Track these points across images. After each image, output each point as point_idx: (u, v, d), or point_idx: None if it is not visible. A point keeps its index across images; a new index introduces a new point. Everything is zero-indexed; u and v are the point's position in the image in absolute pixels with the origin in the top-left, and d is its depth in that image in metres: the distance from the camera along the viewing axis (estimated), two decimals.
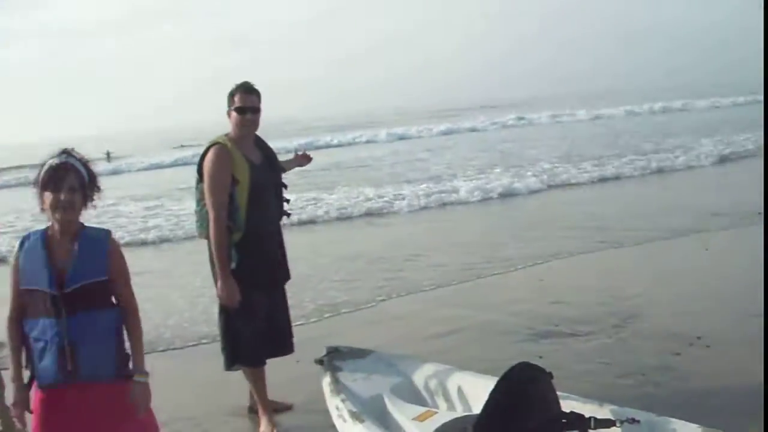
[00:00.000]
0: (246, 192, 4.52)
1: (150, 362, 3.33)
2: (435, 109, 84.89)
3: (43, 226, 3.19)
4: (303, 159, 5.25)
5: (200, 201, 4.62)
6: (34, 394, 3.14)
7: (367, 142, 40.85)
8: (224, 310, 4.67)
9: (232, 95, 4.62)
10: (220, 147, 4.54)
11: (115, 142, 65.24)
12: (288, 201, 4.92)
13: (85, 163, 3.19)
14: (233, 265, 4.51)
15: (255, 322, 4.66)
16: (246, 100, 4.61)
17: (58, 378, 3.09)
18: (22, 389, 3.13)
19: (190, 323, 7.43)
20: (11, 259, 3.17)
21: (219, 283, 4.51)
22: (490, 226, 12.79)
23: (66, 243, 3.12)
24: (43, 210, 3.14)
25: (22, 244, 3.14)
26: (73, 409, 3.13)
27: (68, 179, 3.08)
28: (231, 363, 4.79)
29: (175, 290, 8.95)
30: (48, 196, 3.07)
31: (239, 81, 4.68)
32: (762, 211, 8.95)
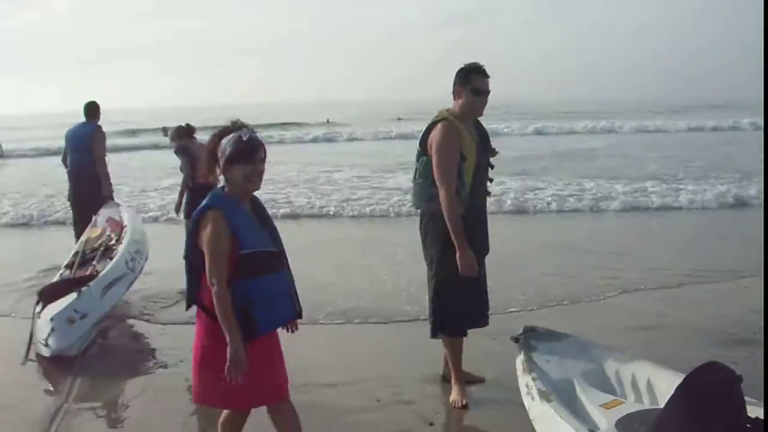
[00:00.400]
0: (472, 169, 4.69)
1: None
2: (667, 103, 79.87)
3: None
4: None
5: (421, 174, 4.79)
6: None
7: (609, 131, 39.43)
8: (438, 280, 4.88)
9: (467, 75, 4.72)
10: (449, 123, 4.68)
11: (335, 111, 68.18)
12: (491, 180, 5.01)
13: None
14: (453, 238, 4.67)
15: (464, 293, 4.83)
16: (483, 83, 4.74)
17: (285, 322, 3.59)
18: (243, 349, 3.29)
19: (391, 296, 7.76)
20: (211, 228, 3.29)
21: (459, 255, 4.64)
22: (715, 233, 11.99)
23: (248, 207, 3.50)
24: (220, 179, 3.46)
25: (218, 212, 3.33)
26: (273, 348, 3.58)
27: (260, 152, 3.39)
28: (436, 331, 5.00)
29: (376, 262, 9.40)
30: (242, 167, 3.33)
31: (470, 62, 4.79)
32: None
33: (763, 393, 2.84)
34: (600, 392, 4.13)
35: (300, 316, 3.68)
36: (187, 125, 8.23)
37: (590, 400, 4.02)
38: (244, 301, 3.33)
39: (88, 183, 8.79)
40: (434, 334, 5.05)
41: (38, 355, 5.94)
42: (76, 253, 7.40)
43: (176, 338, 6.38)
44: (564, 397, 4.05)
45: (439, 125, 4.70)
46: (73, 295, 6.16)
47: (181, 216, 8.14)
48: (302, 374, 5.33)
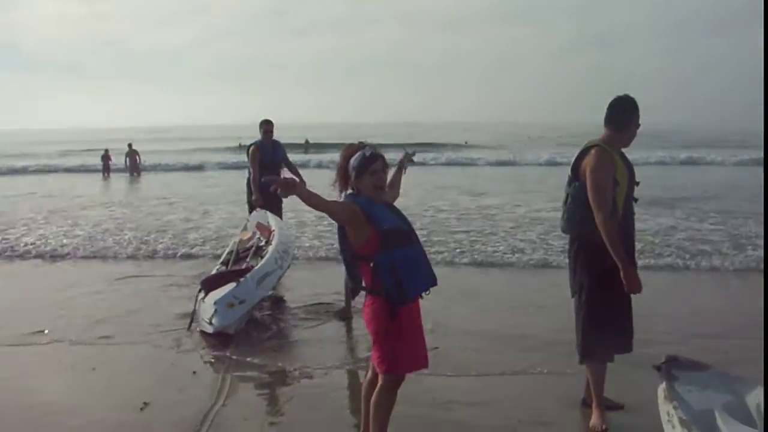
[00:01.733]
0: (623, 194, 4.82)
1: None
2: None
3: None
4: None
5: (574, 199, 4.92)
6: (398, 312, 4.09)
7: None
8: (589, 308, 4.99)
9: (635, 112, 4.90)
10: (603, 149, 4.83)
11: (470, 132, 68.33)
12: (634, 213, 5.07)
13: None
14: (608, 260, 4.76)
15: (614, 321, 4.95)
16: (639, 118, 4.94)
17: (428, 288, 4.22)
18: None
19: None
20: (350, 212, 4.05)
21: (624, 274, 4.74)
22: None
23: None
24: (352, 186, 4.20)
25: (353, 204, 4.08)
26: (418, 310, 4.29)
27: (379, 163, 4.15)
28: (585, 357, 5.12)
29: None
30: (367, 178, 4.10)
31: (630, 96, 4.93)
32: None
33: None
34: (742, 425, 4.15)
35: (435, 283, 4.26)
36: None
37: None
38: (391, 270, 4.02)
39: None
40: (582, 360, 5.16)
41: (201, 332, 7.29)
42: (230, 252, 8.99)
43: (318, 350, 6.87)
44: (705, 427, 4.09)
45: (593, 151, 4.84)
46: (232, 285, 7.41)
47: None
48: (444, 391, 5.59)
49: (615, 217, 4.74)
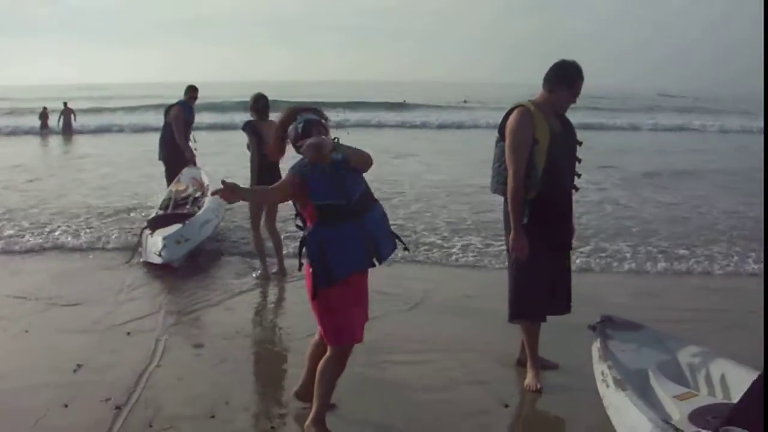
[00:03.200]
0: (544, 153, 4.75)
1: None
2: None
3: None
4: None
5: (498, 158, 4.91)
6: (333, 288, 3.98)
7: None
8: (514, 265, 5.00)
9: (573, 78, 4.84)
10: (524, 109, 4.80)
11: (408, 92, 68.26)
12: (579, 176, 5.07)
13: None
14: (525, 220, 4.79)
15: (540, 279, 4.95)
16: (581, 88, 4.89)
17: (358, 267, 4.06)
18: None
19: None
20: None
21: (511, 235, 4.81)
22: None
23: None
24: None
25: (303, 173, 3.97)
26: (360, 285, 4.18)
27: (317, 132, 4.02)
28: (514, 316, 5.13)
29: None
30: (307, 150, 3.92)
31: (572, 60, 4.89)
32: None
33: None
34: (674, 384, 4.20)
35: (373, 264, 4.12)
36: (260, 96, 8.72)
37: (664, 391, 4.10)
38: (319, 247, 3.91)
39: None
40: (512, 319, 5.17)
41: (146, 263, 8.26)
42: (167, 199, 10.00)
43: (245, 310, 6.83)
44: (638, 386, 4.13)
45: (515, 111, 4.83)
46: (179, 225, 8.60)
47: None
48: (378, 353, 5.57)
49: (533, 175, 4.73)
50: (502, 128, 4.89)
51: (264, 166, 7.21)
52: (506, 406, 4.81)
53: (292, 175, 3.99)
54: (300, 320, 6.18)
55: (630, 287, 7.79)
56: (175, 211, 9.44)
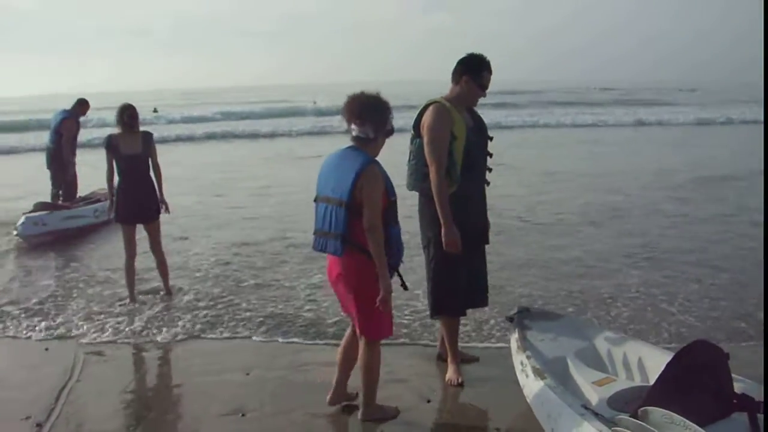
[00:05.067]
0: (462, 148, 4.76)
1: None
2: None
3: None
4: None
5: (415, 155, 4.88)
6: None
7: None
8: (433, 261, 4.97)
9: (479, 70, 4.84)
10: (440, 105, 4.79)
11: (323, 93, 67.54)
12: (490, 170, 5.09)
13: None
14: None
15: (459, 273, 4.93)
16: (488, 80, 4.89)
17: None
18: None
19: None
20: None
21: (443, 230, 4.74)
22: None
23: None
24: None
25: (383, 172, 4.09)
26: None
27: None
28: (435, 312, 5.10)
29: None
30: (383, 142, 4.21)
31: (479, 53, 4.90)
32: None
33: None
34: (592, 370, 4.25)
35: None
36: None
37: (583, 377, 4.15)
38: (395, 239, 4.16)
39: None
40: (433, 314, 5.16)
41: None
42: (79, 196, 11.20)
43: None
44: (558, 374, 4.17)
45: (431, 107, 4.81)
46: (46, 212, 9.98)
47: None
48: (299, 355, 5.51)
49: (452, 171, 4.73)
50: (417, 125, 4.87)
51: (124, 178, 6.88)
52: (428, 401, 4.80)
53: (379, 176, 4.03)
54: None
55: (545, 277, 7.88)
56: (64, 203, 10.76)
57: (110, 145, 6.81)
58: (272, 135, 29.79)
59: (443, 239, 4.76)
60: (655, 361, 4.01)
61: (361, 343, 4.32)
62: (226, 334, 6.22)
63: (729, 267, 8.09)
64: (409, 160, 4.98)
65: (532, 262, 8.43)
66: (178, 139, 27.76)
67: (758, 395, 3.49)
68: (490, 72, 4.88)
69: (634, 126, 33.01)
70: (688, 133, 28.35)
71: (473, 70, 4.83)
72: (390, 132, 4.19)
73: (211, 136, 29.21)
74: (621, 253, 8.86)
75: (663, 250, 9.00)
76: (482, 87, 4.86)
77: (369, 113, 4.08)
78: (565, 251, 8.96)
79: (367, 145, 4.12)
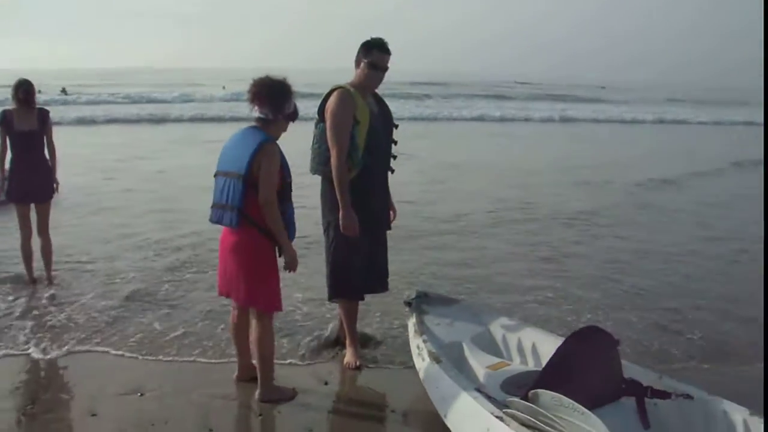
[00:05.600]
0: (365, 133, 4.79)
1: None
2: None
3: None
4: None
5: (319, 139, 4.89)
6: None
7: None
8: (333, 245, 4.98)
9: (369, 49, 4.86)
10: (344, 91, 4.81)
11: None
12: (395, 157, 5.15)
13: None
14: None
15: (359, 258, 4.96)
16: (383, 60, 4.89)
17: None
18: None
19: None
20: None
21: (341, 213, 4.76)
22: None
23: None
24: None
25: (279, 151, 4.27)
26: None
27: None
28: (333, 295, 5.12)
29: None
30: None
31: (375, 37, 4.91)
32: None
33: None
34: (487, 355, 4.35)
35: None
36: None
37: (477, 361, 4.24)
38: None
39: None
40: (332, 298, 5.17)
41: None
42: None
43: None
44: (453, 358, 4.25)
45: (334, 93, 4.83)
46: None
47: None
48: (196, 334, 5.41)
49: (354, 155, 4.76)
50: (321, 110, 4.87)
51: (18, 155, 6.57)
52: (326, 383, 4.82)
53: (277, 154, 4.20)
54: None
55: (444, 262, 7.99)
56: None
57: (4, 120, 6.50)
58: (179, 119, 28.83)
59: (341, 222, 4.78)
60: (548, 347, 4.11)
61: (253, 320, 4.43)
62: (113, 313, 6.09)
63: (629, 260, 8.42)
64: (313, 144, 4.97)
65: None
66: (83, 120, 26.65)
67: (646, 381, 3.66)
68: (385, 53, 4.89)
69: (547, 122, 33.65)
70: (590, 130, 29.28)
71: (368, 53, 4.86)
72: (293, 115, 4.32)
73: (116, 119, 27.92)
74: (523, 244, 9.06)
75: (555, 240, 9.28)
76: (378, 68, 4.87)
77: (270, 95, 4.25)
78: (460, 243, 9.10)
79: (268, 126, 4.27)
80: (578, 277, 7.55)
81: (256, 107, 4.25)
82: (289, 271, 4.32)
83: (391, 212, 5.29)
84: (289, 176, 4.29)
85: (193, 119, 28.99)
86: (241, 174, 4.11)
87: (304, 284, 6.59)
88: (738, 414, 3.44)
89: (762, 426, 3.32)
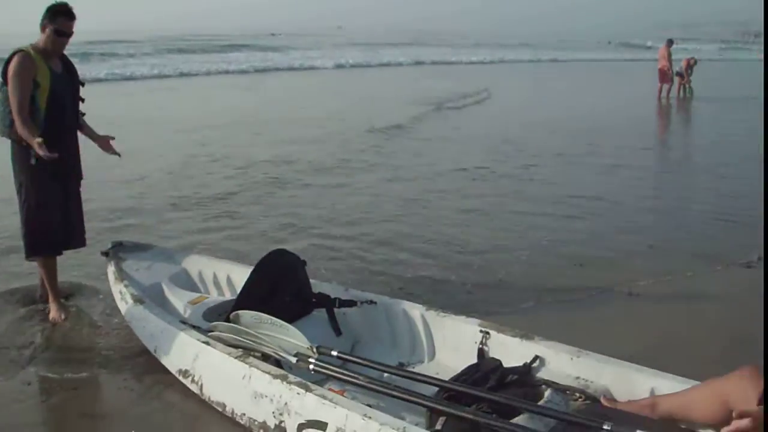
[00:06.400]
0: (46, 95, 4.90)
1: None
2: None
3: None
4: (107, 147, 5.45)
5: (2, 103, 4.89)
6: None
7: None
8: (26, 204, 5.04)
9: (53, 15, 4.90)
10: (24, 54, 4.86)
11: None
12: (84, 114, 5.30)
13: None
14: (33, 161, 4.87)
15: (53, 215, 5.08)
16: (67, 26, 4.97)
17: None
18: None
19: None
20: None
21: (35, 147, 4.74)
22: None
23: None
24: None
25: None
26: None
27: None
28: (30, 253, 5.19)
29: None
30: None
31: (59, 1, 4.95)
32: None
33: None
34: (186, 291, 4.78)
35: None
36: None
37: (178, 299, 4.66)
38: None
39: None
40: (28, 256, 5.23)
41: None
42: None
43: None
44: (155, 299, 4.61)
45: (15, 56, 4.88)
46: None
47: None
48: None
49: (37, 116, 4.87)
50: (4, 73, 4.90)
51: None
52: (31, 343, 4.87)
53: None
54: None
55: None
56: None
57: None
58: None
59: (38, 152, 4.75)
60: (242, 276, 4.47)
61: None
62: None
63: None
64: None
65: None
66: None
67: (334, 293, 4.24)
68: (69, 18, 4.98)
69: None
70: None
71: (51, 19, 4.93)
72: None
73: None
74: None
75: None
76: (62, 34, 4.97)
77: None
78: None
79: None
80: None
81: None
82: None
83: (110, 143, 5.40)
84: None
85: None
86: None
87: None
88: (416, 310, 4.05)
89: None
